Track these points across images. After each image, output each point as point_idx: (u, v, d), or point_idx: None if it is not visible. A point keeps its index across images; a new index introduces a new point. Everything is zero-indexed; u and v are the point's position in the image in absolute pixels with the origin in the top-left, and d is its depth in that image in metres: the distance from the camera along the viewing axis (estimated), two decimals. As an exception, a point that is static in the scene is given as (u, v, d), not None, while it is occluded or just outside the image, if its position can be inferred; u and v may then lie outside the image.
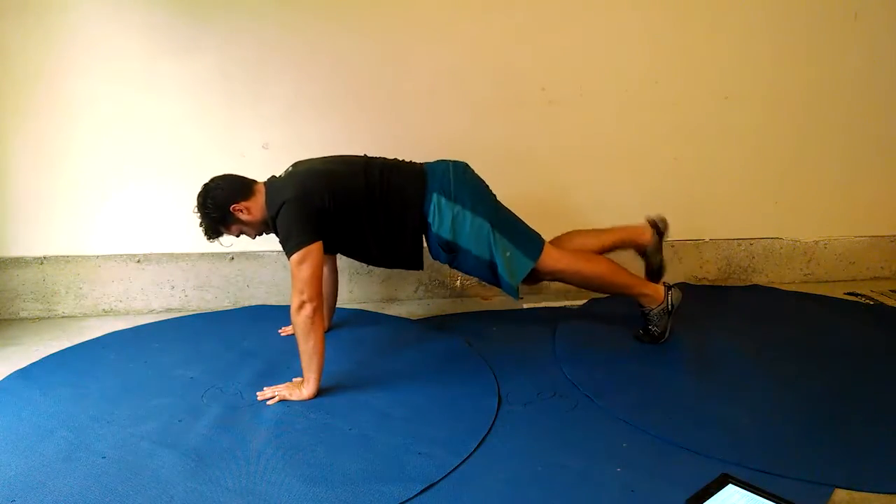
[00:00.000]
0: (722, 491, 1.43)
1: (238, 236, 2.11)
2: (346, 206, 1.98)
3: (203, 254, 2.60)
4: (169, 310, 2.63)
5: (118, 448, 1.63)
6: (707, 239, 2.93)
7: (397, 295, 2.78)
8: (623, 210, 2.59)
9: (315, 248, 1.89)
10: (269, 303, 2.67)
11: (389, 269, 2.70)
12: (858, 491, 1.49)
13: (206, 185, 2.04)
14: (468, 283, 2.81)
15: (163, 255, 2.58)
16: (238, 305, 2.66)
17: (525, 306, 2.69)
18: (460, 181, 2.06)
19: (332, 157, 2.12)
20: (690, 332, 2.34)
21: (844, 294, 2.86)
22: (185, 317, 2.55)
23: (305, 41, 2.49)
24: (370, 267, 2.70)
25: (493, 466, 1.57)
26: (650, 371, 2.07)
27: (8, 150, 2.41)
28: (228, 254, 2.62)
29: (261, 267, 2.64)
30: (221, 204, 1.99)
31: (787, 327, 2.45)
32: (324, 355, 1.88)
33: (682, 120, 2.79)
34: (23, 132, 2.41)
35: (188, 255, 2.60)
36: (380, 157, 2.13)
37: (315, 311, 1.85)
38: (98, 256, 2.55)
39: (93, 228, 2.53)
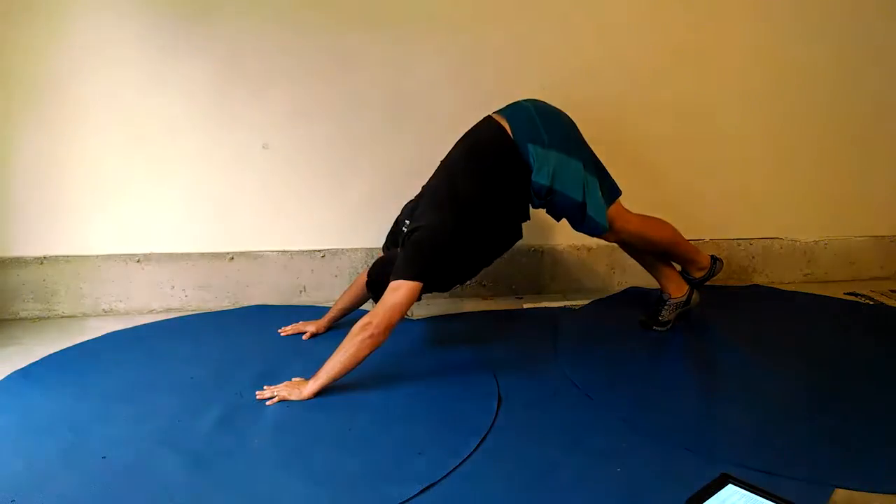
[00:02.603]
0: (722, 491, 1.42)
1: None
2: (475, 223, 2.00)
3: (203, 254, 2.60)
4: (169, 310, 2.62)
5: (118, 448, 1.63)
6: (707, 239, 2.93)
7: (397, 295, 2.78)
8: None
9: (414, 287, 1.89)
10: (269, 303, 2.67)
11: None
12: (858, 491, 1.49)
13: (367, 280, 2.16)
14: (468, 282, 2.81)
15: (163, 255, 2.58)
16: (238, 305, 2.66)
17: (525, 306, 2.69)
18: (549, 125, 2.04)
19: (437, 183, 2.08)
20: (691, 332, 2.34)
21: (844, 294, 2.86)
22: (185, 317, 2.55)
23: (306, 41, 2.48)
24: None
25: (493, 466, 1.57)
26: (650, 371, 2.08)
27: (8, 151, 2.41)
28: (228, 254, 2.62)
29: (261, 267, 2.64)
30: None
31: (787, 327, 2.45)
32: (347, 373, 1.87)
33: (682, 120, 2.79)
34: (23, 132, 2.40)
35: (188, 255, 2.60)
36: (455, 151, 2.10)
37: (373, 337, 1.84)
38: (98, 256, 2.54)
39: (93, 228, 2.52)
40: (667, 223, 2.28)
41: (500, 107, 2.13)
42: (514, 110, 2.09)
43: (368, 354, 1.86)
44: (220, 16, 2.42)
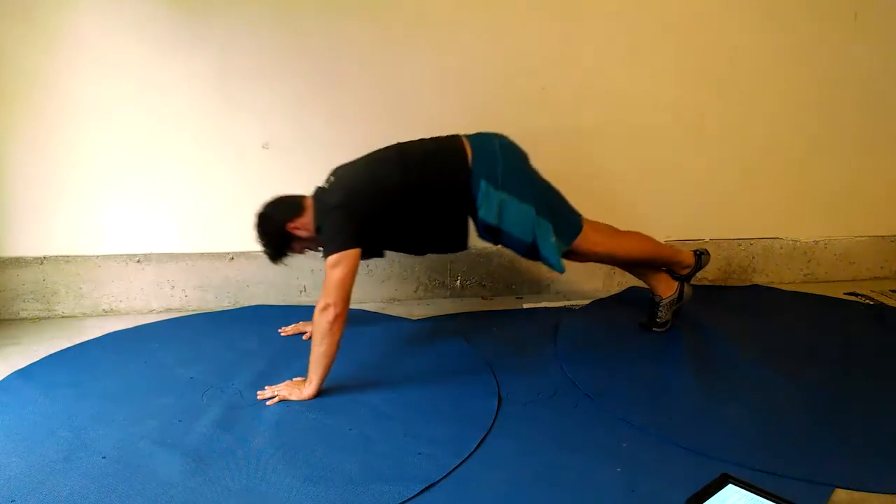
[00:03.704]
0: (722, 491, 1.42)
1: (303, 253, 2.13)
2: (391, 207, 1.99)
3: (203, 254, 2.61)
4: (169, 310, 2.63)
5: (118, 448, 1.63)
6: (707, 239, 2.93)
7: (397, 295, 2.78)
8: (622, 210, 2.59)
9: (351, 255, 1.89)
10: (269, 303, 2.67)
11: (390, 270, 2.72)
12: (858, 491, 1.49)
13: (258, 212, 2.07)
14: (468, 282, 2.82)
15: (163, 255, 2.58)
16: (238, 305, 2.66)
17: (525, 306, 2.69)
18: (508, 166, 2.04)
19: (368, 157, 2.10)
20: (691, 332, 2.34)
21: (844, 294, 2.86)
22: (185, 317, 2.55)
23: (306, 40, 2.48)
24: (370, 267, 2.70)
25: (493, 466, 1.57)
26: (650, 371, 2.07)
27: (8, 150, 2.41)
28: (228, 254, 2.62)
29: (261, 267, 2.64)
30: (278, 227, 2.02)
31: (787, 327, 2.45)
32: (333, 361, 1.88)
33: (682, 120, 2.79)
34: (23, 132, 2.40)
35: (188, 255, 2.60)
36: (416, 143, 2.10)
37: (337, 316, 1.85)
38: (98, 256, 2.55)
39: (93, 228, 2.52)
40: (636, 235, 2.26)
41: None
42: (482, 142, 2.08)
43: (342, 333, 1.88)
44: (221, 16, 2.42)
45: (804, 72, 2.83)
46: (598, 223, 2.21)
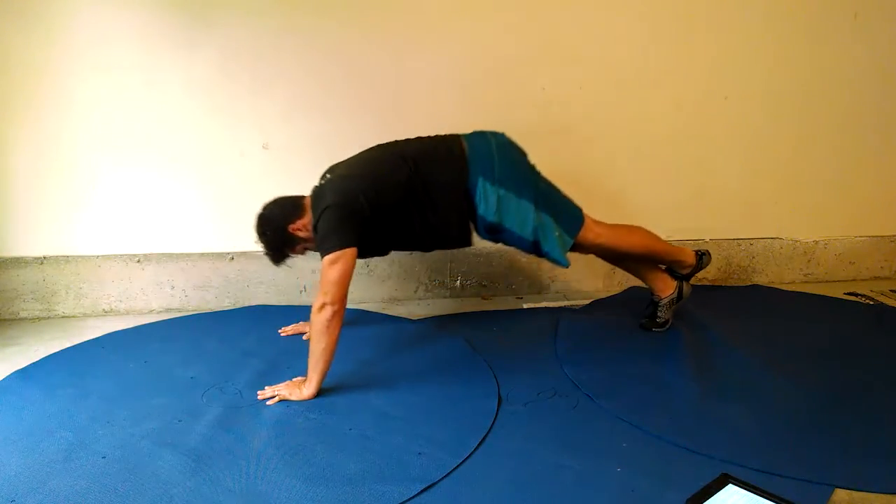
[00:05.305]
0: (722, 491, 1.42)
1: (304, 253, 2.13)
2: (389, 205, 1.99)
3: (203, 254, 2.61)
4: (169, 310, 2.63)
5: (118, 448, 1.63)
6: (707, 239, 2.93)
7: (397, 295, 2.78)
8: (622, 210, 2.59)
9: (348, 253, 1.88)
10: (269, 303, 2.67)
11: (390, 269, 2.72)
12: (858, 491, 1.49)
13: (259, 214, 2.07)
14: (468, 283, 2.82)
15: (163, 255, 2.58)
16: (238, 305, 2.66)
17: (525, 306, 2.69)
18: (505, 163, 2.04)
19: (364, 154, 2.10)
20: (691, 332, 2.34)
21: (844, 294, 2.86)
22: (185, 317, 2.55)
23: (306, 40, 2.49)
24: (370, 267, 2.70)
25: (493, 466, 1.57)
26: (650, 371, 2.07)
27: (8, 150, 2.41)
28: (228, 254, 2.62)
29: (261, 267, 2.64)
30: (279, 228, 2.02)
31: (787, 328, 2.45)
32: (332, 360, 1.88)
33: (682, 120, 2.79)
34: (23, 132, 2.40)
35: (188, 255, 2.60)
36: (413, 141, 2.10)
37: (334, 314, 1.84)
38: (98, 256, 2.55)
39: (93, 228, 2.53)
40: (640, 230, 2.27)
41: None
42: (478, 140, 2.08)
43: (340, 331, 1.87)
44: (221, 16, 2.42)
45: (804, 72, 2.83)
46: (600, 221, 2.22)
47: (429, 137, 2.13)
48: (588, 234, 2.14)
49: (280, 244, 2.06)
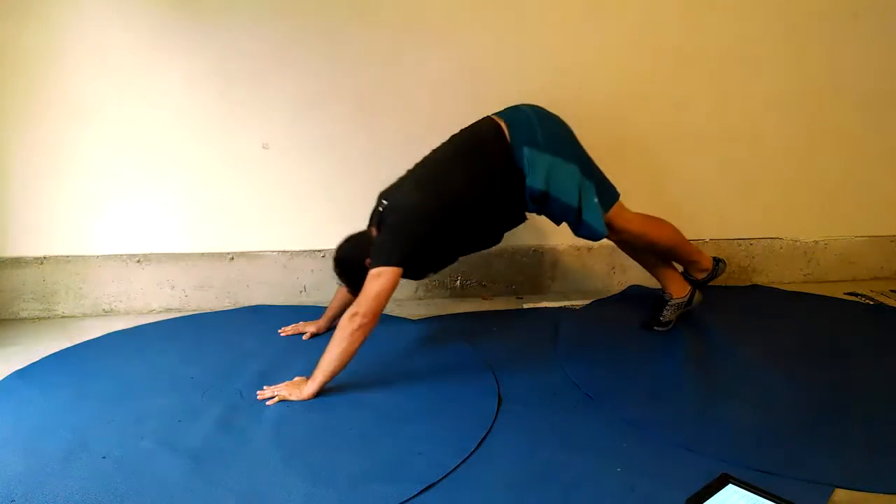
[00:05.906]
0: (722, 491, 1.42)
1: None
2: (452, 218, 1.98)
3: (203, 254, 2.60)
4: (169, 310, 2.63)
5: (118, 448, 1.63)
6: (707, 239, 2.93)
7: (397, 295, 2.75)
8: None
9: (395, 273, 1.89)
10: (269, 303, 2.67)
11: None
12: (858, 491, 1.49)
13: (335, 257, 2.10)
14: (468, 283, 2.81)
15: (163, 255, 2.58)
16: (238, 305, 2.66)
17: (525, 306, 2.69)
18: (546, 128, 2.04)
19: (413, 177, 2.06)
20: (691, 332, 2.34)
21: (844, 294, 2.86)
22: (185, 317, 2.55)
23: (306, 40, 2.48)
24: (370, 267, 2.70)
25: (493, 466, 1.57)
26: (651, 371, 2.07)
27: (8, 151, 2.41)
28: (228, 254, 2.62)
29: (261, 267, 2.64)
30: (360, 268, 2.00)
31: (787, 327, 2.45)
32: (343, 368, 1.87)
33: (682, 120, 2.78)
34: (23, 132, 2.40)
35: (188, 255, 2.60)
36: (449, 145, 2.08)
37: (361, 327, 1.85)
38: (98, 256, 2.55)
39: (93, 228, 2.53)
40: (668, 224, 2.29)
41: (500, 108, 2.13)
42: (514, 113, 2.09)
43: (361, 344, 1.87)
44: (222, 17, 2.42)
45: (804, 72, 2.82)
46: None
47: (461, 132, 2.12)
48: (619, 217, 2.15)
49: (360, 279, 2.01)
